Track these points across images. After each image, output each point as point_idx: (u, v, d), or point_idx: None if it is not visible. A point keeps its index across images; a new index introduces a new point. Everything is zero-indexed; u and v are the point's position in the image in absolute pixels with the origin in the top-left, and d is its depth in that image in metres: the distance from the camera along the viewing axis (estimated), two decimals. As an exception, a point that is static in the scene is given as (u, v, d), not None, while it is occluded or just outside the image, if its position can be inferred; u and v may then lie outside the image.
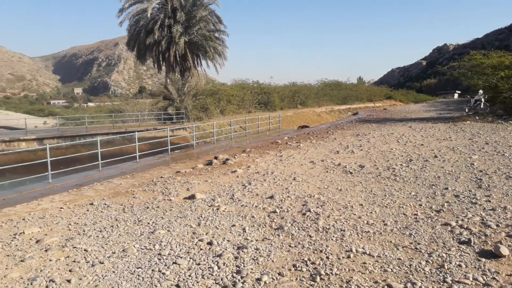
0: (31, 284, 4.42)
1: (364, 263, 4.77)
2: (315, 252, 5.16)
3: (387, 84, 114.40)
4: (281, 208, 7.25)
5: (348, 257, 4.96)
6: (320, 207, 7.24)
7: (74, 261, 5.06)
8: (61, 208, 7.87)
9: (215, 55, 37.97)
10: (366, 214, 6.75)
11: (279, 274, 4.52)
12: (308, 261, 4.86)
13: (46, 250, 5.46)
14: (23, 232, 6.29)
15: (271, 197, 8.03)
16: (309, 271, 4.60)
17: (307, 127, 28.73)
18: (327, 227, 6.11)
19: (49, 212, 7.59)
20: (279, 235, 5.83)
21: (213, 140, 20.92)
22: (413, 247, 5.22)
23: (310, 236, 5.76)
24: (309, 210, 6.99)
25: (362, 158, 12.65)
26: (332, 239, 5.60)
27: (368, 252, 5.08)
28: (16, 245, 5.76)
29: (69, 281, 4.47)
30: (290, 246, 5.40)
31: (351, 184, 9.11)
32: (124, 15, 36.83)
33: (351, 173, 10.31)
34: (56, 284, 4.41)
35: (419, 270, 4.52)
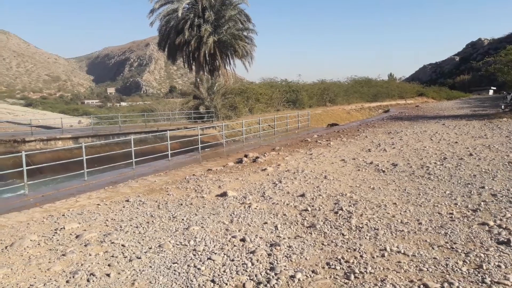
0: (73, 277, 4.62)
1: (399, 262, 4.73)
2: (349, 250, 5.15)
3: (419, 80, 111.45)
4: (312, 206, 7.25)
5: (383, 256, 4.93)
6: (352, 205, 7.20)
7: (112, 256, 5.25)
8: (98, 204, 8.15)
9: (244, 54, 38.10)
10: (400, 213, 6.67)
11: (312, 271, 4.55)
12: (341, 259, 4.86)
13: (85, 245, 5.69)
14: (64, 228, 6.56)
15: (302, 195, 8.04)
16: (343, 269, 4.60)
17: (337, 125, 28.44)
18: (360, 226, 6.07)
19: (87, 208, 7.88)
20: (311, 233, 5.85)
21: (242, 138, 21.05)
22: (449, 247, 5.13)
23: (343, 234, 5.75)
24: (342, 209, 6.96)
25: (394, 156, 12.45)
26: (365, 238, 5.57)
27: (402, 251, 5.03)
28: (58, 240, 6.02)
29: (108, 275, 4.65)
30: (323, 244, 5.41)
31: (384, 182, 9.00)
32: (155, 15, 37.52)
33: (383, 171, 10.18)
34: (96, 277, 4.59)
35: (456, 270, 4.45)
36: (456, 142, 14.73)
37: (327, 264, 4.76)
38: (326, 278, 4.39)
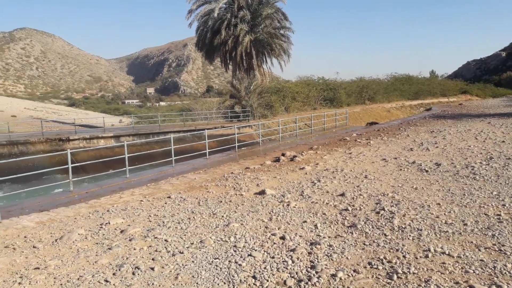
0: (119, 270, 4.79)
1: (444, 263, 4.59)
2: (391, 250, 5.05)
3: (462, 77, 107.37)
4: (353, 206, 7.15)
5: (426, 256, 4.80)
6: (394, 205, 7.04)
7: (156, 251, 5.40)
8: (141, 201, 8.40)
9: (280, 52, 38.02)
10: (444, 214, 6.46)
11: (354, 271, 4.49)
12: (384, 260, 4.77)
13: (130, 240, 5.88)
14: (109, 223, 6.81)
15: (342, 194, 7.95)
16: (385, 269, 4.52)
17: (376, 124, 27.86)
18: (403, 226, 5.94)
19: (130, 204, 8.14)
20: (352, 233, 5.77)
21: (278, 137, 21.04)
22: (497, 249, 4.93)
23: (385, 234, 5.64)
24: (383, 209, 6.83)
25: (438, 155, 12.06)
26: (408, 238, 5.44)
27: (447, 252, 4.88)
28: (103, 234, 6.26)
29: (152, 268, 4.79)
30: (364, 244, 5.33)
31: (427, 182, 8.75)
32: (192, 16, 38.12)
33: (426, 171, 9.89)
34: (141, 271, 4.73)
35: (505, 273, 4.27)
36: (503, 141, 14.09)
37: (369, 264, 4.69)
38: (368, 277, 4.33)
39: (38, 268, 4.96)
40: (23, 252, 5.66)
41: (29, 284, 4.52)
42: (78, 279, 4.58)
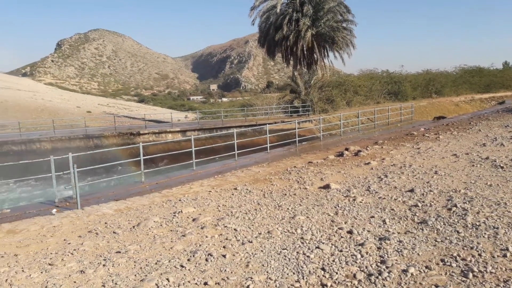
0: (193, 256, 5.05)
1: (525, 264, 4.33)
2: (465, 248, 4.85)
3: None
4: (423, 202, 6.93)
5: (504, 256, 4.56)
6: (467, 202, 6.72)
7: (226, 239, 5.62)
8: (209, 191, 8.74)
9: (342, 46, 37.23)
10: (525, 213, 6.06)
11: (426, 267, 4.39)
12: (457, 257, 4.61)
13: (202, 228, 6.17)
14: (181, 211, 7.18)
15: (411, 190, 7.71)
16: (459, 267, 4.37)
17: (444, 118, 26.47)
18: (477, 224, 5.66)
19: (200, 194, 8.50)
20: (422, 229, 5.61)
21: (339, 132, 20.72)
22: None
23: (457, 232, 5.43)
24: (455, 205, 6.55)
25: (515, 151, 11.27)
26: (483, 236, 5.19)
27: (529, 253, 4.59)
28: (177, 222, 6.61)
29: (224, 256, 5.00)
30: (436, 240, 5.17)
31: (503, 179, 8.22)
32: (255, 13, 38.45)
33: (502, 167, 9.29)
34: (213, 257, 4.96)
35: None
36: None
37: (442, 260, 4.55)
38: (441, 274, 4.21)
39: (119, 252, 5.37)
40: (104, 237, 6.14)
41: (112, 266, 4.91)
42: (155, 263, 4.90)
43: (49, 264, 5.08)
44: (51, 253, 5.52)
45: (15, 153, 23.53)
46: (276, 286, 4.13)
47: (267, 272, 4.46)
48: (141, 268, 4.80)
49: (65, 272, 4.79)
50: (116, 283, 4.39)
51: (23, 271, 4.93)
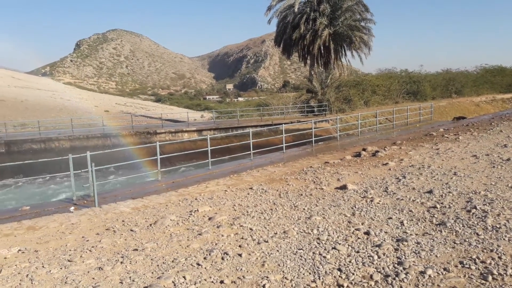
0: (209, 254, 5.07)
1: (549, 268, 4.22)
2: (484, 251, 4.76)
3: None
4: (441, 203, 6.82)
5: (526, 259, 4.45)
6: (487, 204, 6.58)
7: (242, 238, 5.63)
8: (225, 191, 8.78)
9: (360, 45, 36.92)
10: (548, 216, 5.91)
11: (444, 269, 4.31)
12: (476, 259, 4.51)
13: (217, 227, 6.19)
14: (197, 210, 7.22)
15: (430, 192, 7.59)
16: (478, 269, 4.28)
17: (464, 118, 26.00)
18: (498, 226, 5.54)
19: (215, 194, 8.54)
20: (441, 231, 5.52)
21: (356, 132, 20.55)
22: None
23: (477, 234, 5.32)
24: (475, 207, 6.42)
25: (538, 153, 10.99)
26: (504, 239, 5.08)
27: (553, 258, 4.47)
28: (193, 221, 6.66)
29: (240, 255, 5.01)
30: (454, 242, 5.08)
31: (526, 181, 8.03)
32: (272, 12, 38.46)
33: (524, 169, 9.07)
34: (229, 256, 4.97)
35: None
36: None
37: (460, 263, 4.47)
38: (460, 276, 4.14)
39: (137, 250, 5.43)
40: (122, 234, 6.22)
41: (130, 263, 4.96)
42: (172, 261, 4.94)
43: (68, 261, 5.17)
44: (70, 250, 5.62)
45: (35, 152, 24.05)
46: (292, 285, 4.12)
47: (283, 271, 4.46)
48: (158, 265, 4.84)
49: (84, 269, 4.87)
50: (133, 280, 4.44)
51: (43, 266, 5.03)
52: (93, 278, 4.58)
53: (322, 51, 38.00)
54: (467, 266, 4.38)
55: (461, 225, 5.70)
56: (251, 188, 8.85)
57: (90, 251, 5.51)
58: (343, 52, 38.74)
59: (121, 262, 5.01)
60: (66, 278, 4.61)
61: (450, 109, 38.03)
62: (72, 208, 8.38)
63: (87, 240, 6.03)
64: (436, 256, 4.70)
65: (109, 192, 10.15)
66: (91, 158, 9.14)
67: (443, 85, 45.43)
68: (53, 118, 40.45)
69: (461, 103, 41.36)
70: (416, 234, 5.46)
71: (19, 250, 5.74)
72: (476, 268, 4.31)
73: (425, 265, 4.44)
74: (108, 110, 58.26)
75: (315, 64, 38.56)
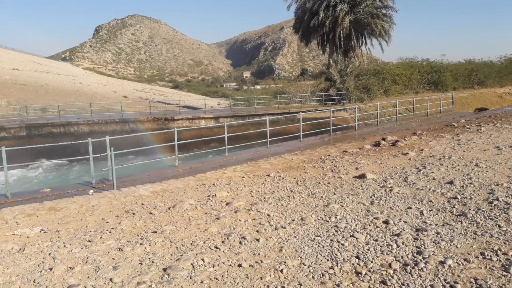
0: (227, 238, 5.11)
1: None
2: (507, 242, 4.67)
3: None
4: (462, 194, 6.70)
5: (551, 252, 4.35)
6: (510, 196, 6.45)
7: (259, 223, 5.65)
8: (242, 177, 8.80)
9: (381, 33, 36.27)
10: None
11: (465, 260, 4.26)
12: (498, 251, 4.45)
13: (235, 212, 6.22)
14: (215, 195, 7.27)
15: (450, 182, 7.47)
16: (500, 261, 4.22)
17: (486, 110, 25.41)
18: (521, 219, 5.43)
19: (233, 180, 8.58)
20: (461, 222, 5.44)
21: (375, 122, 20.28)
22: None
23: (499, 226, 5.23)
24: (497, 199, 6.30)
25: None
26: (527, 232, 4.97)
27: None
28: (211, 205, 6.70)
29: (257, 240, 5.03)
30: (475, 234, 5.00)
31: (550, 174, 7.82)
32: (291, -2, 38.06)
33: (549, 162, 8.84)
34: (247, 241, 5.00)
35: None
36: None
37: (481, 254, 4.40)
38: (481, 268, 4.08)
39: (156, 232, 5.50)
40: (141, 217, 6.31)
41: (149, 245, 5.04)
42: (191, 244, 4.99)
43: (89, 241, 5.28)
44: (90, 231, 5.73)
45: (54, 135, 24.49)
46: (310, 271, 4.12)
47: (301, 257, 4.46)
48: (176, 248, 4.90)
49: (104, 249, 4.96)
50: (153, 262, 4.51)
51: (64, 246, 5.14)
52: (113, 259, 4.67)
53: (342, 39, 37.50)
54: (488, 257, 4.31)
55: (482, 217, 5.60)
56: (268, 175, 8.84)
57: (110, 232, 5.61)
58: (363, 40, 38.17)
59: (141, 244, 5.08)
60: (87, 258, 4.71)
61: (472, 100, 37.21)
62: (91, 191, 8.52)
63: (107, 222, 6.13)
64: (457, 246, 4.63)
65: (127, 176, 10.27)
66: (110, 143, 9.25)
67: (465, 75, 44.38)
68: (72, 102, 41.00)
69: (483, 94, 40.41)
70: (436, 224, 5.39)
71: (42, 229, 5.88)
72: (497, 260, 4.24)
73: (445, 255, 4.39)
74: (127, 95, 58.75)
75: (335, 52, 38.10)
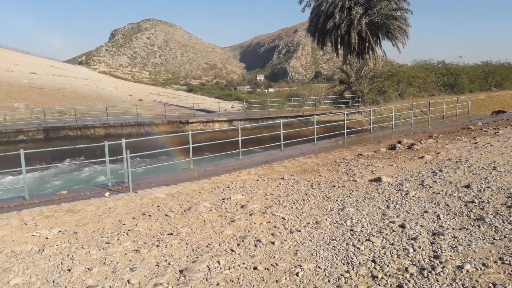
0: (243, 241, 5.13)
1: None
2: (526, 248, 4.59)
3: None
4: (480, 198, 6.61)
5: None
6: (530, 201, 6.33)
7: (274, 227, 5.66)
8: (257, 180, 8.82)
9: (396, 35, 35.98)
10: None
11: (483, 264, 4.19)
12: (518, 257, 4.36)
13: (250, 215, 6.25)
14: (230, 198, 7.30)
15: (468, 186, 7.37)
16: (519, 267, 4.14)
17: (504, 113, 24.97)
18: (541, 224, 5.32)
19: (247, 182, 8.60)
20: (479, 226, 5.36)
21: (390, 124, 20.11)
22: None
23: (518, 230, 5.13)
24: (516, 203, 6.19)
25: None
26: (548, 237, 4.88)
27: None
28: (226, 208, 6.74)
29: (273, 243, 5.04)
30: (494, 238, 4.92)
31: None
32: (306, 1, 38.02)
33: None
34: (262, 244, 5.01)
35: None
36: None
37: (500, 259, 4.33)
38: (500, 273, 4.01)
39: (172, 234, 5.56)
40: (157, 219, 6.38)
41: (165, 247, 5.09)
42: (206, 246, 5.03)
43: (106, 243, 5.35)
44: (107, 233, 5.82)
45: (71, 138, 24.92)
46: (325, 275, 4.12)
47: (316, 261, 4.46)
48: (192, 250, 4.94)
49: (121, 251, 5.03)
50: (169, 263, 4.55)
51: (82, 247, 5.23)
52: (130, 260, 4.73)
53: (357, 41, 37.29)
54: (507, 262, 4.24)
55: (500, 221, 5.51)
56: (282, 178, 8.85)
57: (126, 234, 5.69)
58: (379, 43, 37.90)
59: (157, 246, 5.14)
60: (105, 259, 4.78)
61: (489, 102, 36.61)
62: (107, 193, 8.64)
63: (124, 224, 6.21)
64: (475, 251, 4.57)
65: (142, 179, 10.39)
66: (126, 145, 9.38)
67: (482, 77, 43.66)
68: (88, 106, 41.65)
69: (500, 97, 39.72)
70: (453, 229, 5.33)
71: (60, 231, 5.99)
72: (517, 265, 4.17)
73: (463, 259, 4.34)
74: (142, 99, 59.45)
75: (349, 55, 37.91)
